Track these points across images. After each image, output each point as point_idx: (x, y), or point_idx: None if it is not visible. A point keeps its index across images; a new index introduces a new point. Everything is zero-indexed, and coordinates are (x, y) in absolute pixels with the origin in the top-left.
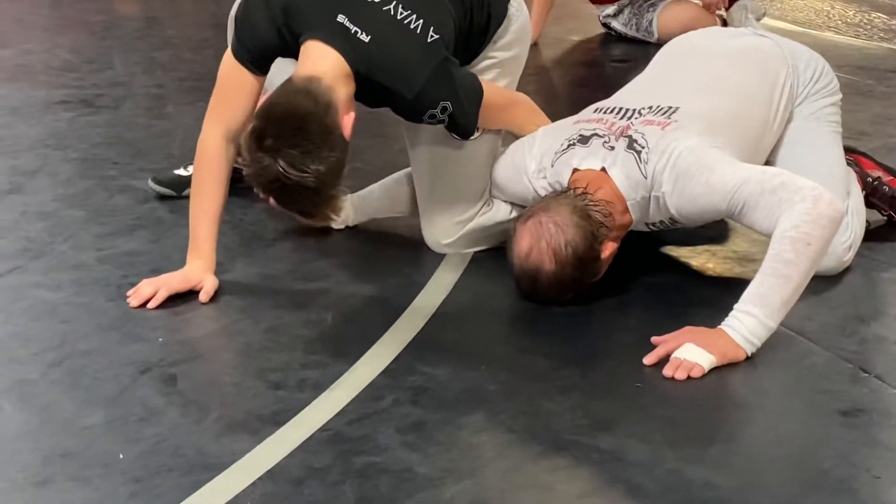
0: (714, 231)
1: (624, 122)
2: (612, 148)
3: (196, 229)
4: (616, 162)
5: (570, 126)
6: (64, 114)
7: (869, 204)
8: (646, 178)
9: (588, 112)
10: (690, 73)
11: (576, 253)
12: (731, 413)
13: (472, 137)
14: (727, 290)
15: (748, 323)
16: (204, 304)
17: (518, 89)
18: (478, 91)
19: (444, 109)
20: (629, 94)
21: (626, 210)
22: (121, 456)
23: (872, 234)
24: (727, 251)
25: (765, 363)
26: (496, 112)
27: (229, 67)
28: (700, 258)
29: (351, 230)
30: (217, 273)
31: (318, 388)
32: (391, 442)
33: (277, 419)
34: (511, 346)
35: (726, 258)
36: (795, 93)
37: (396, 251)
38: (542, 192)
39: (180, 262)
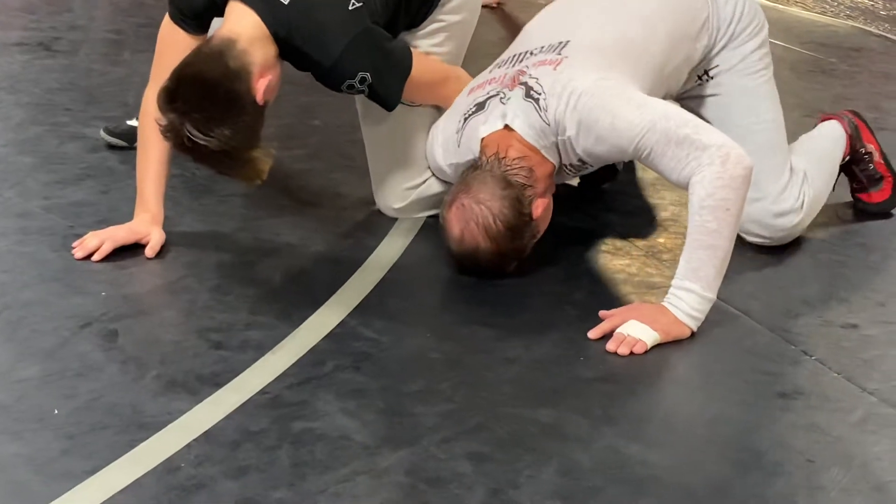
0: (666, 210)
1: (517, 68)
2: (509, 100)
3: (142, 182)
4: (517, 114)
5: (464, 99)
6: (19, 56)
7: (847, 171)
8: (549, 124)
9: (483, 75)
10: (586, 3)
11: (507, 225)
12: (672, 391)
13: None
14: (676, 266)
15: (688, 299)
16: (150, 258)
17: (485, 54)
18: (405, 65)
19: (363, 80)
20: (527, 36)
21: (544, 158)
22: (55, 411)
23: (823, 215)
24: (679, 227)
25: (708, 342)
26: (428, 88)
27: (166, 27)
28: (652, 234)
29: (305, 190)
30: (165, 228)
31: (261, 349)
32: (330, 408)
33: (217, 380)
34: (457, 316)
35: (677, 234)
36: (714, 27)
37: (349, 213)
38: (453, 179)
39: (128, 215)
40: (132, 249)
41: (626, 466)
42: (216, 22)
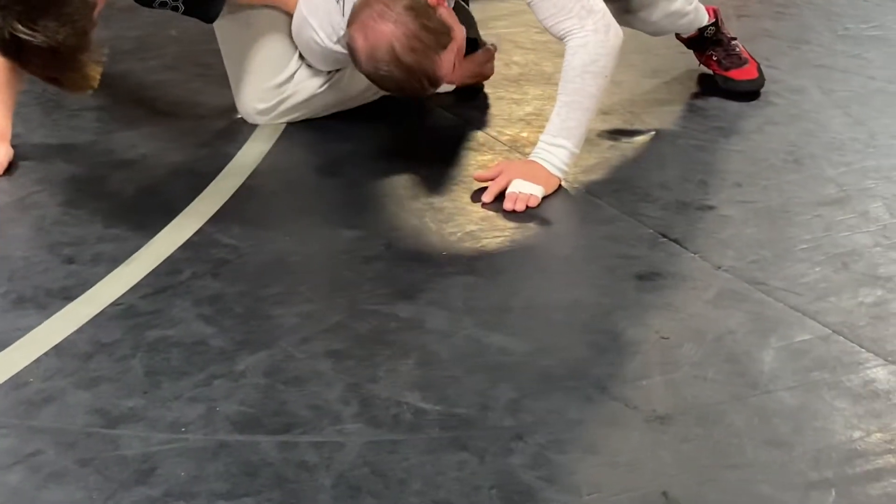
0: (529, 105)
1: None
2: None
3: None
4: None
5: None
6: None
7: (714, 48)
8: None
9: None
10: None
11: (411, 6)
12: (532, 279)
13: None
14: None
15: (560, 154)
16: None
17: None
18: None
19: None
20: None
21: None
22: None
23: (682, 103)
24: (543, 121)
25: (568, 231)
26: None
27: None
28: (515, 128)
29: (161, 101)
30: (14, 144)
31: (114, 262)
32: (186, 315)
33: (68, 294)
34: (318, 218)
35: (540, 128)
36: None
37: (208, 122)
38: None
39: None
40: None
41: (486, 355)
42: None
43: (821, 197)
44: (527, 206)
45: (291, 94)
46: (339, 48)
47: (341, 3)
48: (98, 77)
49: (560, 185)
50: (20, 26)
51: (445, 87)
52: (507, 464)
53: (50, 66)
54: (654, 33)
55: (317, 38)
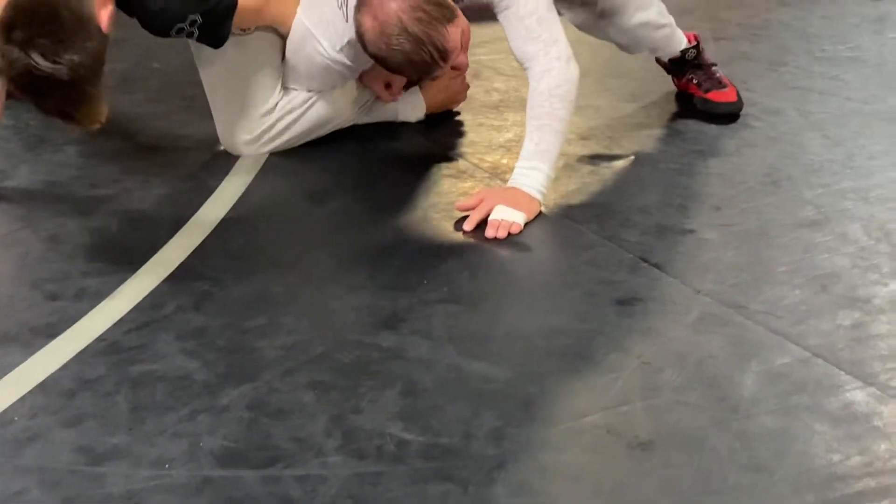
0: (509, 132)
1: None
2: None
3: None
4: None
5: None
6: None
7: (693, 73)
8: None
9: None
10: None
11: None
12: (513, 306)
13: (244, 34)
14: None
15: (538, 177)
16: None
17: None
18: (231, 2)
19: (194, 22)
20: None
21: None
22: None
23: (662, 126)
24: None
25: (549, 256)
26: (253, 15)
27: None
28: (495, 155)
29: (144, 134)
30: None
31: (98, 297)
32: (170, 349)
33: (52, 330)
34: (300, 248)
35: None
36: None
37: (191, 155)
38: (350, 61)
39: None
40: None
41: (468, 383)
42: None
43: (799, 219)
44: (509, 233)
45: (275, 123)
46: (342, 57)
47: (343, 9)
48: (106, 111)
49: (540, 211)
50: (43, 60)
51: (418, 116)
52: (492, 493)
53: (67, 100)
54: (630, 46)
55: (320, 49)
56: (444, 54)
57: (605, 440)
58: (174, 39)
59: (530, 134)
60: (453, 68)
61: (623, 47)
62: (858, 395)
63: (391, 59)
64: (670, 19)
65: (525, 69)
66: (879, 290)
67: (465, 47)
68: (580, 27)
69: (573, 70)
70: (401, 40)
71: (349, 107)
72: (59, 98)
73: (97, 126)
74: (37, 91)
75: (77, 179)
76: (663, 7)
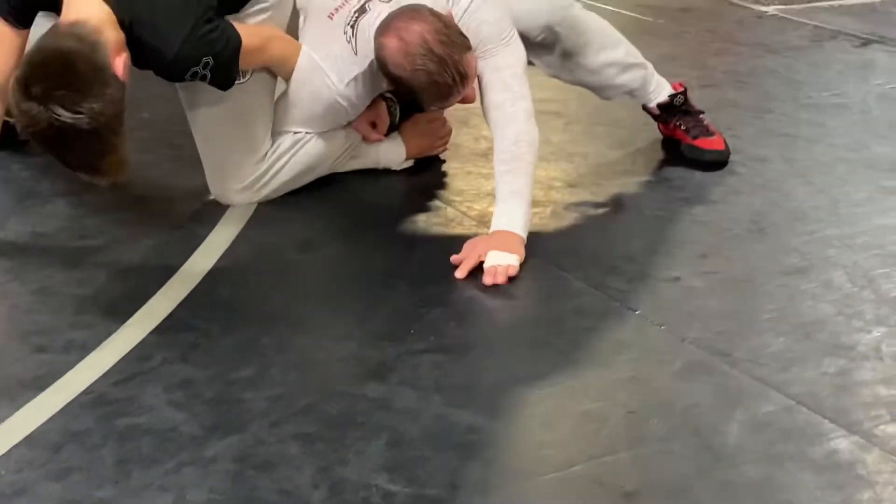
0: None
1: None
2: None
3: None
4: None
5: (329, 23)
6: None
7: (681, 119)
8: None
9: (327, 2)
10: None
11: (435, 12)
12: (500, 355)
13: (239, 82)
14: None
15: (519, 213)
16: None
17: None
18: (236, 40)
19: (207, 65)
20: None
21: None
22: None
23: (649, 173)
24: None
25: (535, 305)
26: (256, 54)
27: None
28: (484, 203)
29: (133, 185)
30: None
31: (85, 349)
32: (157, 401)
33: (39, 384)
34: (288, 298)
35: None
36: None
37: (179, 205)
38: (363, 91)
39: None
40: None
41: (454, 433)
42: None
43: (784, 266)
44: (508, 278)
45: (267, 169)
46: (348, 92)
47: (352, 42)
48: (128, 161)
49: (526, 256)
50: (64, 111)
51: (405, 164)
52: None
53: (92, 150)
54: (603, 88)
55: (329, 83)
56: (464, 78)
57: (591, 490)
58: (161, 89)
59: (502, 177)
60: (462, 101)
61: (596, 90)
62: (842, 444)
63: (413, 79)
64: (643, 61)
65: (488, 121)
66: (863, 337)
67: (472, 79)
68: (551, 70)
69: (534, 128)
70: (425, 60)
71: (337, 151)
72: (83, 150)
73: (124, 178)
74: (61, 145)
75: (65, 231)
76: (633, 49)
